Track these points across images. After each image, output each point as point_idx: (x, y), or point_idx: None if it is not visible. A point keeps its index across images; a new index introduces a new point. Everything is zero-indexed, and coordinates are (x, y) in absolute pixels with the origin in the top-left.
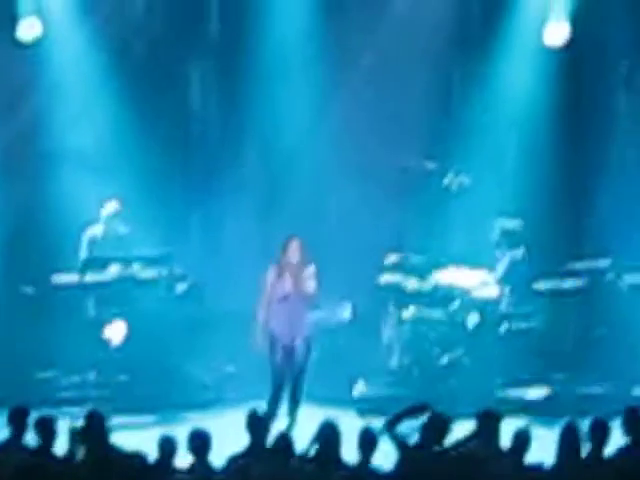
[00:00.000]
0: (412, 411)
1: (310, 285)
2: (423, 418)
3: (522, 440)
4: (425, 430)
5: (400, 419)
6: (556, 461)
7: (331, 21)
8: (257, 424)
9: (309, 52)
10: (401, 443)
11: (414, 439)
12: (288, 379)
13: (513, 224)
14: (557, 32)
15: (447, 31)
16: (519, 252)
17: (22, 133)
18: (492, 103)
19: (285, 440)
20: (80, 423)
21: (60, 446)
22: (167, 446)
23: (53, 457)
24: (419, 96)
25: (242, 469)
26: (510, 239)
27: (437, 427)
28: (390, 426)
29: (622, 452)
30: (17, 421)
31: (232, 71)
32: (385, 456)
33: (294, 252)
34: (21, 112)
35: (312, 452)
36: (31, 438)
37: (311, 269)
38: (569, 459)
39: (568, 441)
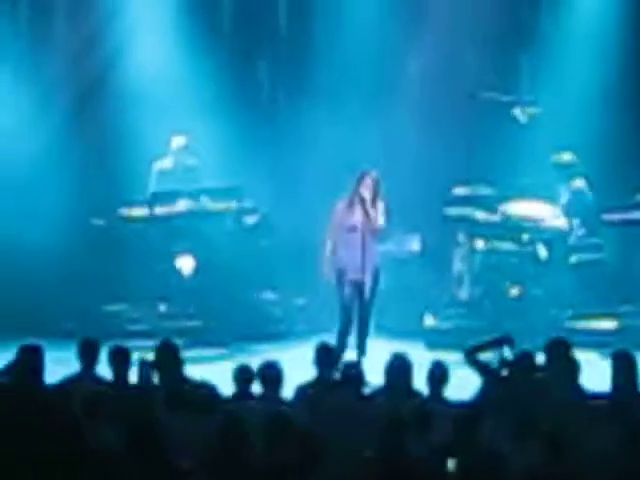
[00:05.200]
0: (494, 343)
1: (380, 219)
2: (505, 350)
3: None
4: (515, 366)
5: (481, 349)
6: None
7: None
8: (326, 357)
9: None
10: (486, 369)
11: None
12: (356, 311)
13: (568, 157)
14: None
15: None
16: (579, 184)
17: (96, 73)
18: (564, 34)
19: (354, 371)
20: (152, 355)
21: (133, 377)
22: (244, 375)
23: (126, 387)
24: (493, 30)
25: (311, 399)
26: (567, 172)
27: (526, 364)
28: (471, 355)
29: None
30: (88, 353)
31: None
32: (456, 388)
33: (367, 186)
34: (96, 55)
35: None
36: (103, 370)
37: (382, 204)
38: (627, 388)
39: (622, 368)
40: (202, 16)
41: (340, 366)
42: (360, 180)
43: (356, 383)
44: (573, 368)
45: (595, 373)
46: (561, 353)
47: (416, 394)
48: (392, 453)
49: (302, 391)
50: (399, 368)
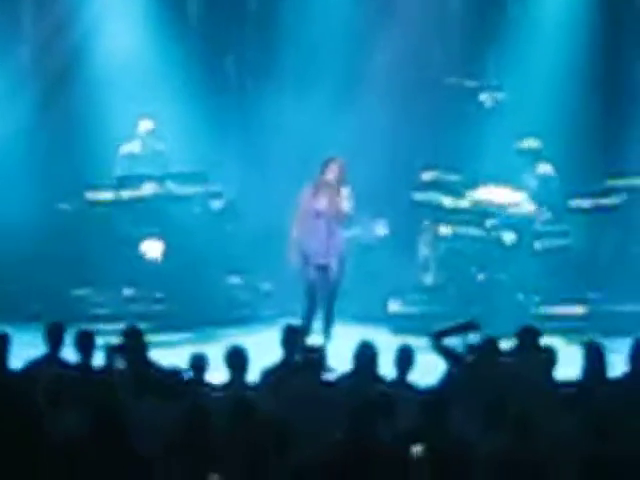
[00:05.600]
0: (461, 327)
1: (345, 205)
2: (471, 335)
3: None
4: (479, 352)
5: (448, 334)
6: (582, 378)
7: None
8: (292, 339)
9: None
10: (451, 354)
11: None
12: (322, 296)
13: (534, 143)
14: None
15: None
16: (544, 170)
17: (64, 60)
18: (530, 20)
19: (316, 355)
20: (118, 339)
21: (98, 361)
22: (198, 363)
23: (91, 371)
24: (458, 17)
25: (276, 383)
26: (532, 157)
27: (490, 350)
28: (437, 340)
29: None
30: (54, 337)
31: None
32: (422, 373)
33: (332, 172)
34: (64, 41)
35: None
36: (68, 354)
37: (347, 190)
38: (595, 377)
39: (592, 360)
40: (170, 2)
41: (302, 350)
42: (325, 166)
43: (317, 368)
44: (546, 356)
45: (562, 359)
46: (531, 340)
47: (381, 380)
48: (361, 436)
49: (267, 375)
50: (367, 356)
